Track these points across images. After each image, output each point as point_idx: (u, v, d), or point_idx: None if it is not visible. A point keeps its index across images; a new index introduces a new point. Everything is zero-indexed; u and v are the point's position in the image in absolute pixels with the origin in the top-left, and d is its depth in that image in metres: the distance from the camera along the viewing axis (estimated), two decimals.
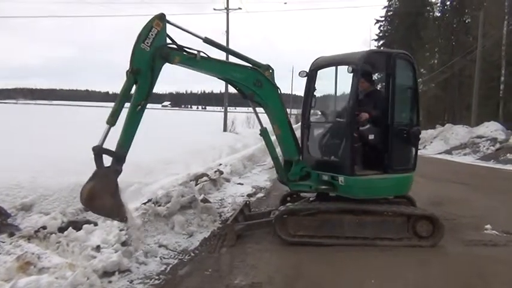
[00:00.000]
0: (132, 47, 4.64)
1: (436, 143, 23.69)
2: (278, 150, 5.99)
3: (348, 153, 5.44)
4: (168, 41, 4.93)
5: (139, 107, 4.65)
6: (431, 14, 41.13)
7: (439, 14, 40.11)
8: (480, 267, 4.72)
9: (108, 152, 4.54)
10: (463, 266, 4.79)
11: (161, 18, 4.75)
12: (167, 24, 4.86)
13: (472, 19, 31.51)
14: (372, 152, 5.73)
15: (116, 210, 4.54)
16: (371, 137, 5.67)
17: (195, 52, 5.01)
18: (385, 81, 5.85)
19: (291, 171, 5.72)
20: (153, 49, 4.67)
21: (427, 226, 5.39)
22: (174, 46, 4.98)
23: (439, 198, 8.20)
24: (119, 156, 4.58)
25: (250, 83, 5.42)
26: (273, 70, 5.68)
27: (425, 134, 26.91)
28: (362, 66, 5.50)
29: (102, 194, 4.45)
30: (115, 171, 4.58)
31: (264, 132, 5.81)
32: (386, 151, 5.59)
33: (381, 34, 46.57)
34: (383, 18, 46.35)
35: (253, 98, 5.51)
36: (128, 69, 4.63)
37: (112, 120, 4.53)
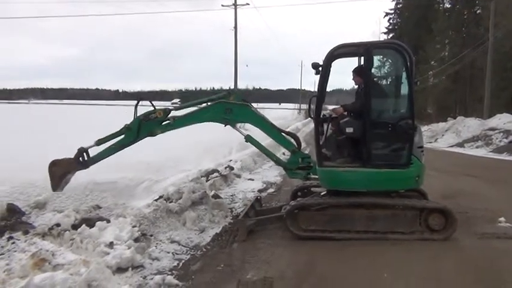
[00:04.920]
0: (137, 116, 6.17)
1: (448, 136, 23.39)
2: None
3: (317, 145, 5.76)
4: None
5: (120, 146, 6.18)
6: (441, 5, 40.67)
7: (449, 6, 39.67)
8: (494, 261, 4.67)
9: (85, 157, 6.24)
10: (477, 260, 4.74)
11: (164, 111, 6.20)
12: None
13: (483, 10, 31.06)
14: (351, 145, 5.71)
15: (56, 181, 6.18)
16: (349, 130, 5.65)
17: (170, 119, 6.21)
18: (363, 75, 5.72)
19: (289, 160, 6.35)
20: (147, 126, 6.11)
21: (439, 219, 5.34)
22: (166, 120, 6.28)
23: (452, 191, 8.12)
24: (87, 163, 6.24)
25: (221, 114, 6.19)
26: (236, 93, 6.57)
27: (436, 127, 26.64)
28: (326, 62, 5.53)
29: (59, 167, 6.18)
30: (78, 166, 6.25)
31: (248, 138, 6.27)
32: (364, 145, 5.53)
33: (390, 27, 46.26)
34: (392, 11, 46.00)
35: (232, 124, 6.24)
36: (126, 124, 6.20)
37: (99, 143, 6.19)
